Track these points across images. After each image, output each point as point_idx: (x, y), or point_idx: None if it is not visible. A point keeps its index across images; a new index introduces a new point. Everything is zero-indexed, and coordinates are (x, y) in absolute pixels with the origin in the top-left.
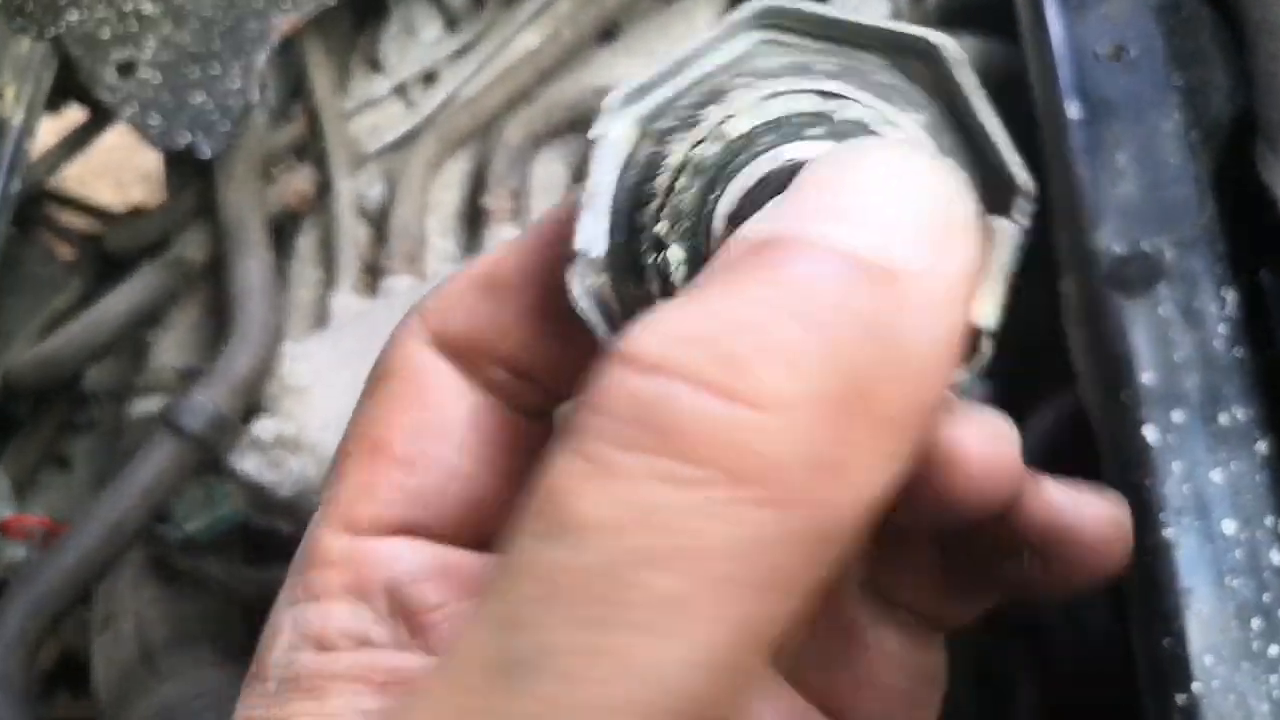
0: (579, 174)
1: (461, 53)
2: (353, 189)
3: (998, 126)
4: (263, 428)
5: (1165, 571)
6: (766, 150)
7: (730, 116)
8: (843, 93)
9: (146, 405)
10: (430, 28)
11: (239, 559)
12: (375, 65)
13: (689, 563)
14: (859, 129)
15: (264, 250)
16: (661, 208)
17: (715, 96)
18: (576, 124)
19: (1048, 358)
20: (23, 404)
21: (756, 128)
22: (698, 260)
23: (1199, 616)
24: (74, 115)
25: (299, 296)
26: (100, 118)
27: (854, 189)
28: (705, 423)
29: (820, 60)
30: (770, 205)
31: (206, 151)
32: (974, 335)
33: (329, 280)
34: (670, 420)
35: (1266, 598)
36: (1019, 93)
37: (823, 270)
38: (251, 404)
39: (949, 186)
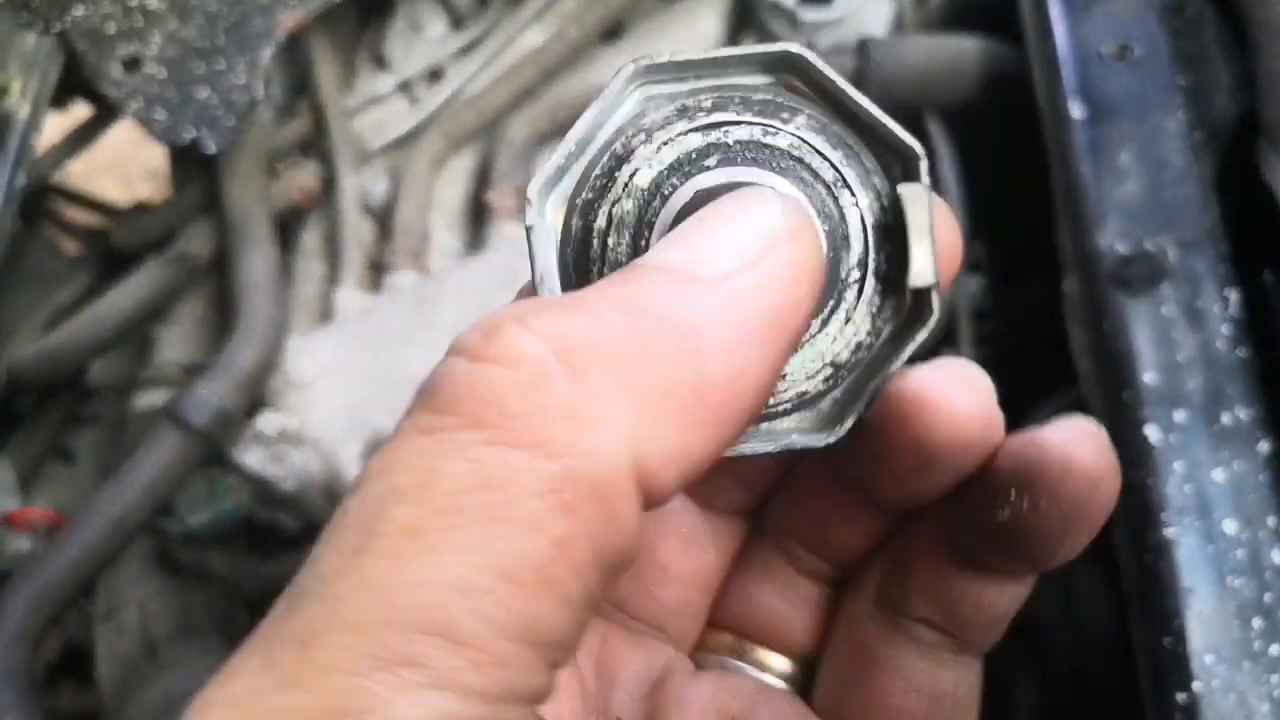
0: None
1: (466, 50)
2: (357, 185)
3: (874, 108)
4: (266, 422)
5: (1166, 571)
6: (675, 191)
7: (636, 171)
8: (724, 120)
9: (150, 399)
10: (435, 25)
11: (242, 552)
12: (380, 62)
13: (424, 494)
14: (750, 146)
15: (268, 246)
16: (604, 266)
17: (620, 160)
18: None
19: (1049, 357)
20: (27, 397)
21: (660, 174)
22: None
23: (1200, 616)
24: (80, 111)
25: (303, 292)
26: (106, 113)
27: (695, 228)
28: (458, 379)
29: (701, 98)
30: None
31: (211, 147)
32: (920, 296)
33: (333, 276)
34: (435, 384)
35: (1267, 597)
36: (1022, 92)
37: (648, 276)
38: (255, 398)
39: (771, 215)
